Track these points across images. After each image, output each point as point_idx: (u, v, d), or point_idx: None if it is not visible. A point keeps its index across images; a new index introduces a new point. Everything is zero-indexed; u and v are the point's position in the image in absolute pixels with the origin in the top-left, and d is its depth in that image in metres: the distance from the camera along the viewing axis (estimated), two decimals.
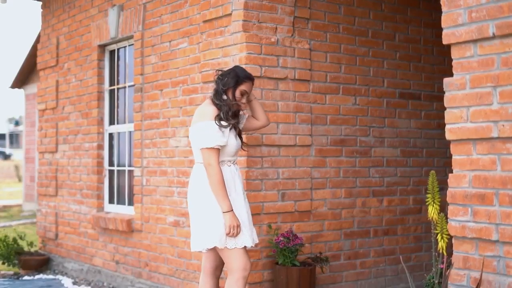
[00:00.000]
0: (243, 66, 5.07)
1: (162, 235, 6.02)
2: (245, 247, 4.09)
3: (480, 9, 3.36)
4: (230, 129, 4.13)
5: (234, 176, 4.17)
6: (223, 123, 4.08)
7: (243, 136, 4.59)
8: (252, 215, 5.06)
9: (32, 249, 8.33)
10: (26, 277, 7.60)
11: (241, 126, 4.39)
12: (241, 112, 4.37)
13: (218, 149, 4.04)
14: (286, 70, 5.34)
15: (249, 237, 4.09)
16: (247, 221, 4.15)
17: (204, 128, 4.05)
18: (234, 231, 3.97)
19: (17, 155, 42.18)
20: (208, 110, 4.13)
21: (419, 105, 6.34)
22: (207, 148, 4.01)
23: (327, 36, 5.67)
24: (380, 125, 6.02)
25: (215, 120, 4.06)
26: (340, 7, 5.75)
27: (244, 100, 4.25)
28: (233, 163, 4.20)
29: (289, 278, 4.99)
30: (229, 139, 4.11)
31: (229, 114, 4.12)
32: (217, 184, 3.99)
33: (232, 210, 4.00)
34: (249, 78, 4.27)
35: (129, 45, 6.89)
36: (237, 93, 4.20)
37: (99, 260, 7.08)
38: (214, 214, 4.01)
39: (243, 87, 4.21)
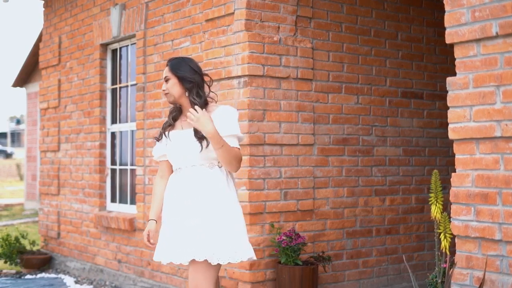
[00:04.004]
0: (246, 65, 5.09)
1: None
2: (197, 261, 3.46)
3: (483, 8, 3.36)
4: (167, 136, 3.68)
5: (181, 182, 3.58)
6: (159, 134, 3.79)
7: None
8: (255, 214, 5.10)
9: (34, 248, 8.34)
10: (28, 276, 7.60)
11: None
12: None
13: (162, 161, 3.78)
14: (289, 69, 5.34)
15: (162, 252, 3.57)
16: (172, 234, 3.54)
17: None
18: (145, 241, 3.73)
19: (19, 153, 42.18)
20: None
21: (422, 104, 6.33)
22: None
23: (330, 35, 5.66)
24: (383, 124, 6.02)
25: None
26: (343, 6, 5.75)
27: (165, 87, 3.62)
28: (185, 167, 3.58)
29: (292, 277, 4.99)
30: (169, 147, 3.68)
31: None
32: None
33: (150, 220, 3.72)
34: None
35: (131, 44, 6.89)
36: None
37: (101, 259, 7.08)
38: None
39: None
